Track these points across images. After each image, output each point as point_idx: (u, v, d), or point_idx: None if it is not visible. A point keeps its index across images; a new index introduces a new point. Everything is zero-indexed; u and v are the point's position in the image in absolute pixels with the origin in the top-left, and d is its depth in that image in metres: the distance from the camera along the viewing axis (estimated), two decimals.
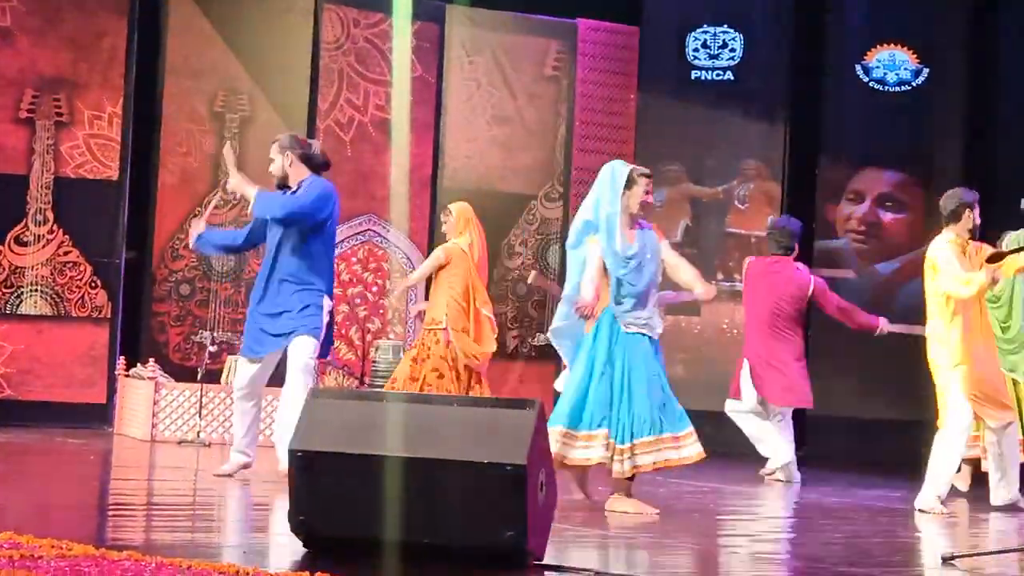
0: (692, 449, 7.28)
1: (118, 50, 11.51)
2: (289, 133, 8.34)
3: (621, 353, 7.25)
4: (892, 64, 13.14)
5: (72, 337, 11.33)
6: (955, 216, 8.18)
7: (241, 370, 7.96)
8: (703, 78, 13.27)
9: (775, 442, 9.67)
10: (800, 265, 10.05)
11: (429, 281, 10.24)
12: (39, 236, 11.27)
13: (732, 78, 13.24)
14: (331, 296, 7.92)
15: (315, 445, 5.08)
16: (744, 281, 10.25)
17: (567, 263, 7.61)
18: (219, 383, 10.68)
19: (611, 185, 7.37)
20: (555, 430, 7.11)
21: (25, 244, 11.25)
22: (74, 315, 11.34)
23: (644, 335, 7.29)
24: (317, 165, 7.93)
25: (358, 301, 12.47)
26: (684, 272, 7.52)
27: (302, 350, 7.70)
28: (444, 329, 9.74)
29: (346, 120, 12.42)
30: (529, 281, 11.52)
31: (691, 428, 7.31)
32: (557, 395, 7.63)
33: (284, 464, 7.01)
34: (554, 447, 6.84)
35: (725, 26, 13.25)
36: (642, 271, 7.31)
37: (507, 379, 12.85)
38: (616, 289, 7.29)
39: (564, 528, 6.19)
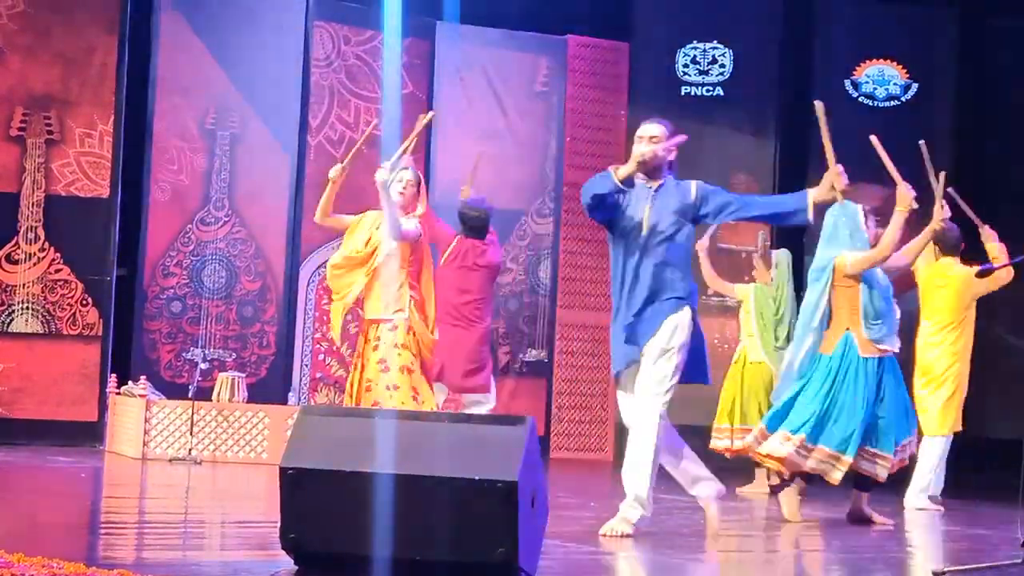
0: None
1: (108, 68, 11.52)
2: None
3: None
4: (881, 79, 13.18)
5: (63, 355, 11.32)
6: (959, 248, 9.47)
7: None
8: (693, 94, 13.30)
9: None
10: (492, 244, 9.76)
11: None
12: (30, 254, 11.27)
13: (722, 94, 13.27)
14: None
15: (305, 462, 5.08)
16: (449, 262, 9.45)
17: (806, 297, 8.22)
18: (211, 400, 10.66)
19: (857, 225, 8.18)
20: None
21: (16, 262, 11.25)
22: (65, 333, 11.33)
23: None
24: None
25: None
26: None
27: None
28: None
29: (337, 137, 12.42)
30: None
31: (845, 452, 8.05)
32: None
33: None
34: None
35: (715, 42, 13.29)
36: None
37: (499, 395, 12.79)
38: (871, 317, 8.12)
39: (555, 545, 6.18)
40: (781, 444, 7.99)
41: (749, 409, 10.21)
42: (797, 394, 8.10)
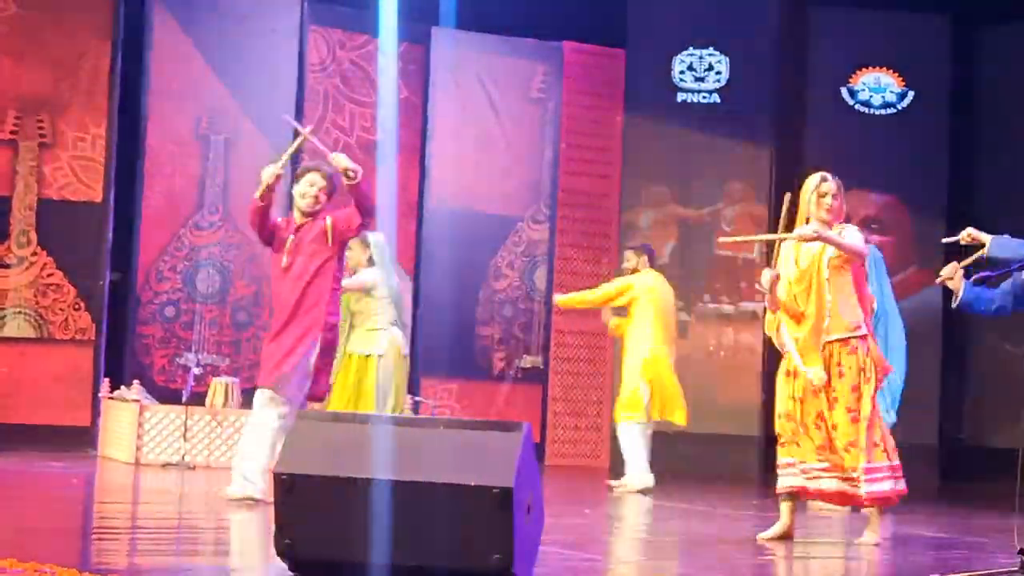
0: None
1: (101, 71, 11.49)
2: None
3: None
4: (877, 87, 13.18)
5: (56, 359, 11.28)
6: None
7: None
8: (689, 100, 13.29)
9: None
10: None
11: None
12: (22, 258, 11.23)
13: (718, 101, 13.26)
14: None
15: (300, 468, 5.05)
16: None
17: None
18: (204, 406, 10.63)
19: None
20: None
21: (8, 266, 11.21)
22: (58, 337, 11.29)
23: None
24: None
25: None
26: None
27: None
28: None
29: (332, 142, 12.38)
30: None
31: None
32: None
33: None
34: None
35: (711, 49, 13.28)
36: None
37: (493, 401, 12.82)
38: None
39: (551, 551, 6.15)
40: None
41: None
42: None
